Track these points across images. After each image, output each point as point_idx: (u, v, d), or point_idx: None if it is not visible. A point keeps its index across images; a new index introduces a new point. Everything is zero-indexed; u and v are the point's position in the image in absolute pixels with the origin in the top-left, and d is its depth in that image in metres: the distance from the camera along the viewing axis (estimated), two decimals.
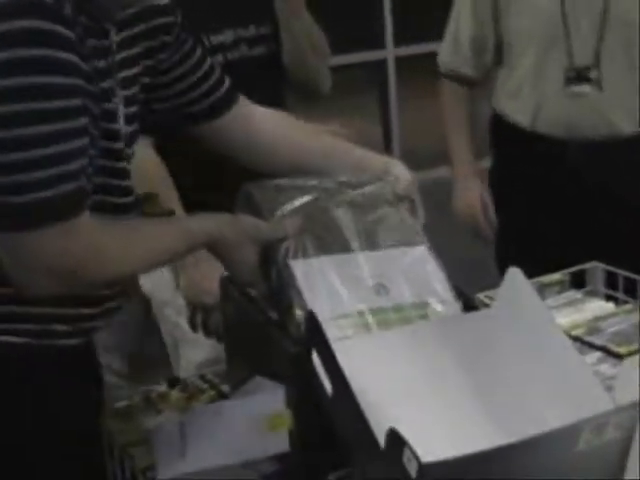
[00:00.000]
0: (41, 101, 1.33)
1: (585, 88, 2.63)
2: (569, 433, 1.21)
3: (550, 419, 1.26)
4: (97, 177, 1.48)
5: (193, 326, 2.42)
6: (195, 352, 2.50)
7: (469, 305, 1.58)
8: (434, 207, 3.22)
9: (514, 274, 1.49)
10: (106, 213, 1.51)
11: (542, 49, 2.66)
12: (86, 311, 1.58)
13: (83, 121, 1.40)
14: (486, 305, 1.68)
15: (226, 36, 2.40)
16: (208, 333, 2.42)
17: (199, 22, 2.34)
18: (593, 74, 2.61)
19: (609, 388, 1.41)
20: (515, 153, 2.82)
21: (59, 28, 1.33)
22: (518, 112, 2.76)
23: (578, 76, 2.63)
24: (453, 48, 2.84)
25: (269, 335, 1.53)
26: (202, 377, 1.86)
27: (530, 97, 2.72)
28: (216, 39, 2.39)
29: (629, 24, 2.59)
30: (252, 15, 2.45)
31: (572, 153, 2.67)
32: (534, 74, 2.70)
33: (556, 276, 2.08)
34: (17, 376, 1.52)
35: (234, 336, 1.72)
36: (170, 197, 2.32)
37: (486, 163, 2.94)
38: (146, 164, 2.22)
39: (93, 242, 1.43)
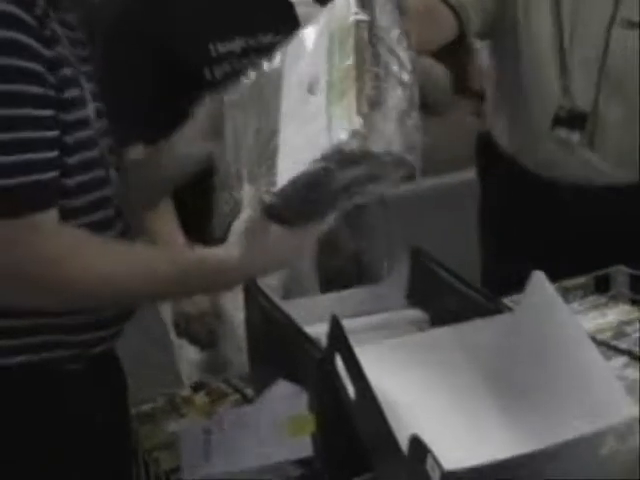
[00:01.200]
0: (9, 108, 1.31)
1: (574, 136, 2.33)
2: (593, 440, 1.20)
3: (574, 425, 1.26)
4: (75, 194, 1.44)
5: (177, 333, 2.43)
6: (195, 352, 2.52)
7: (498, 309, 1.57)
8: (453, 210, 3.23)
9: (538, 278, 1.48)
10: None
11: (535, 76, 2.36)
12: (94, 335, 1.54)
13: (51, 133, 1.37)
14: (509, 309, 1.67)
15: (235, 45, 2.40)
16: (191, 341, 2.44)
17: (207, 30, 2.35)
18: (587, 124, 2.31)
19: (634, 392, 1.41)
20: (501, 180, 2.52)
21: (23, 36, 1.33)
22: (503, 134, 2.50)
23: (569, 120, 2.32)
24: None
25: (293, 339, 1.54)
26: (226, 381, 1.87)
27: (515, 124, 2.45)
28: (224, 47, 2.38)
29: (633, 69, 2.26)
30: (263, 24, 2.43)
31: (559, 194, 2.38)
32: (523, 99, 2.40)
33: (580, 280, 2.07)
34: (41, 389, 1.51)
35: (258, 340, 1.72)
36: (167, 219, 2.31)
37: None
38: None
39: (66, 241, 1.36)
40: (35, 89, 1.34)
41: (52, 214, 1.36)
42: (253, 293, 1.69)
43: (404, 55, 1.35)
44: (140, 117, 2.30)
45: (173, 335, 2.53)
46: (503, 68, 2.46)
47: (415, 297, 1.75)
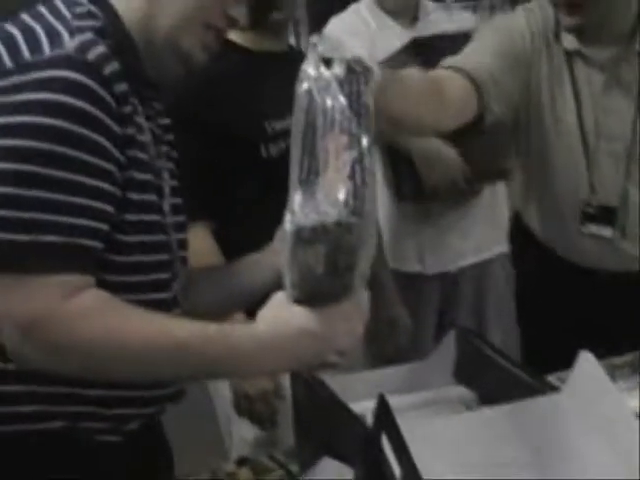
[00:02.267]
0: (64, 171, 1.32)
1: (605, 231, 2.29)
2: None
3: None
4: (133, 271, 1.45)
5: (239, 412, 2.42)
6: (248, 429, 2.50)
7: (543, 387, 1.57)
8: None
9: (586, 358, 1.48)
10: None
11: (562, 168, 2.33)
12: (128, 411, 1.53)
13: (99, 204, 1.37)
14: (556, 388, 1.66)
15: (289, 122, 2.40)
16: (253, 420, 2.42)
17: (262, 109, 2.38)
18: (617, 218, 2.28)
19: None
20: (536, 261, 2.48)
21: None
22: (533, 219, 2.47)
23: (599, 216, 2.28)
24: None
25: (338, 416, 1.54)
26: (270, 457, 1.87)
27: (545, 213, 2.42)
28: (279, 125, 2.40)
29: None
30: None
31: (594, 279, 2.35)
32: (551, 189, 2.37)
33: (627, 357, 2.06)
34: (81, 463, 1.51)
35: (303, 416, 1.72)
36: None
37: None
38: (201, 251, 2.22)
39: (86, 301, 1.33)
40: (94, 160, 1.35)
41: (84, 279, 1.35)
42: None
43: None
44: (201, 198, 2.31)
45: (221, 410, 2.54)
46: (529, 152, 2.42)
47: (461, 375, 1.75)
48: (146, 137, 1.49)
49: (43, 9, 1.44)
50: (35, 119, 1.30)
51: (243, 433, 2.49)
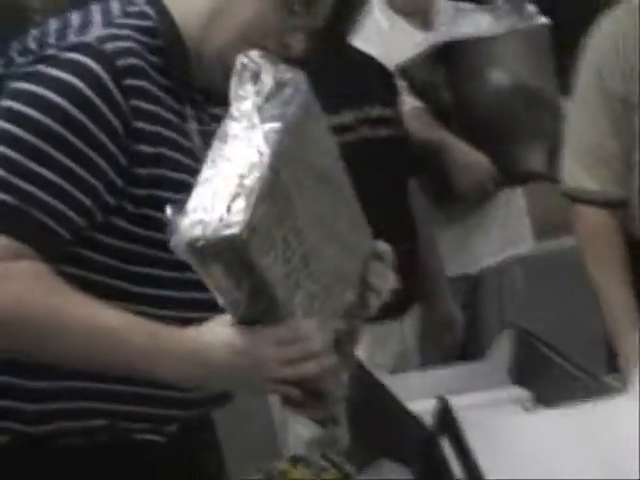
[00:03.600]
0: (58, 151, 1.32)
1: None
2: None
3: None
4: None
5: None
6: (305, 429, 2.48)
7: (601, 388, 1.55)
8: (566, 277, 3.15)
9: None
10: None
11: None
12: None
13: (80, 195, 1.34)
14: (615, 389, 1.65)
15: (343, 118, 2.38)
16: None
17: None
18: None
19: None
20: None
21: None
22: None
23: None
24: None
25: (395, 416, 1.53)
26: (324, 456, 1.86)
27: None
28: (332, 121, 2.37)
29: None
30: (368, 96, 2.42)
31: None
32: None
33: None
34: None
35: (360, 416, 1.71)
36: None
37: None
38: None
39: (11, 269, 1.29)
40: (79, 143, 1.33)
41: (27, 250, 1.31)
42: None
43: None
44: None
45: (276, 407, 2.52)
46: None
47: (517, 374, 1.74)
48: (185, 139, 1.46)
49: (98, 5, 1.47)
50: (39, 90, 1.33)
51: (299, 431, 2.48)
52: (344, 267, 1.45)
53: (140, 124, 1.38)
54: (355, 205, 1.48)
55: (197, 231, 1.23)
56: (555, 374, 1.63)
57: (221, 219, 1.22)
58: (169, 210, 1.25)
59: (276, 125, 1.29)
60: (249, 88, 1.33)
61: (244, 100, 1.32)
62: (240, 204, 1.23)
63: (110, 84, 1.35)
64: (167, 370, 1.33)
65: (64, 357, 1.34)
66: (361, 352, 2.29)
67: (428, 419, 1.43)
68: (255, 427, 2.84)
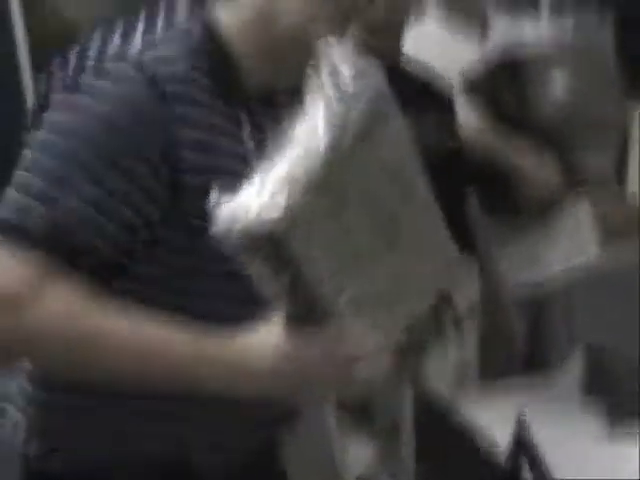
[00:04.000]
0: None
1: None
2: None
3: None
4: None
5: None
6: (365, 447, 2.45)
7: None
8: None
9: None
10: None
11: None
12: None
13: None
14: None
15: None
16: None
17: None
18: None
19: None
20: None
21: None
22: None
23: None
24: None
25: (468, 444, 1.50)
26: (392, 476, 1.83)
27: None
28: None
29: None
30: (432, 108, 2.38)
31: None
32: None
33: None
34: None
35: (424, 434, 1.69)
36: None
37: None
38: None
39: (46, 301, 1.23)
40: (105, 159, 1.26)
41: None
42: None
43: None
44: None
45: (334, 430, 2.50)
46: None
47: (590, 389, 1.70)
48: (238, 144, 1.43)
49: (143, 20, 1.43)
50: (84, 100, 1.28)
51: (359, 451, 2.45)
52: (410, 276, 1.36)
53: (185, 131, 1.32)
54: (435, 213, 1.39)
55: (235, 219, 1.17)
56: (627, 390, 1.60)
57: (261, 207, 1.17)
58: (214, 197, 1.18)
59: (339, 121, 1.23)
60: (324, 80, 1.29)
61: (316, 92, 1.28)
62: (284, 194, 1.17)
63: (151, 91, 1.30)
64: (212, 378, 1.27)
65: (110, 374, 1.28)
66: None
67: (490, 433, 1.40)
68: (314, 451, 2.80)
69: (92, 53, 1.39)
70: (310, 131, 1.23)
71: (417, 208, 1.38)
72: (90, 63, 1.36)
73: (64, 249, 1.24)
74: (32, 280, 1.21)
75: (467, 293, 1.45)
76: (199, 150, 1.32)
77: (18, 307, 1.21)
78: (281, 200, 1.17)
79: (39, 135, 1.28)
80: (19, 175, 1.26)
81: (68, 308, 1.24)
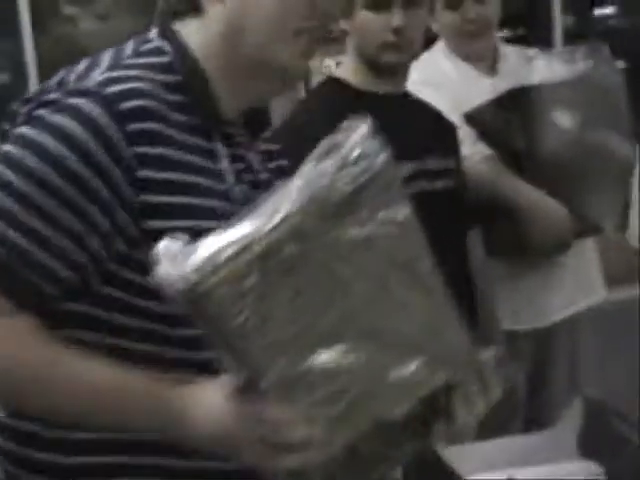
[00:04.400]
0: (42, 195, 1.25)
1: None
2: None
3: None
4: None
5: None
6: None
7: None
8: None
9: None
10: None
11: None
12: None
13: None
14: None
15: (403, 169, 2.20)
16: None
17: None
18: None
19: None
20: None
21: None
22: None
23: None
24: None
25: None
26: None
27: None
28: None
29: None
30: (430, 148, 2.30)
31: None
32: None
33: None
34: None
35: None
36: None
37: None
38: None
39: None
40: (74, 193, 1.25)
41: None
42: None
43: None
44: None
45: None
46: None
47: (587, 447, 1.62)
48: (215, 180, 1.36)
49: (106, 51, 1.39)
50: (30, 133, 1.27)
51: None
52: (385, 373, 1.25)
53: (147, 172, 1.29)
54: (442, 309, 1.30)
55: (167, 271, 1.15)
56: (629, 452, 1.51)
57: (194, 266, 1.14)
58: (164, 242, 1.17)
59: (313, 195, 1.18)
60: (324, 155, 1.21)
61: (309, 163, 1.21)
62: (225, 254, 1.14)
63: (110, 130, 1.26)
64: (156, 431, 1.28)
65: (56, 413, 1.30)
66: None
67: None
68: None
69: (52, 86, 1.34)
70: (284, 196, 1.17)
71: (414, 302, 1.26)
72: (52, 95, 1.31)
73: (9, 287, 1.25)
74: None
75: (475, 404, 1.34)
76: (166, 191, 1.29)
77: None
78: (219, 259, 1.13)
79: (9, 148, 1.28)
80: None
81: (14, 345, 1.25)
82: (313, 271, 1.19)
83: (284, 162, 1.52)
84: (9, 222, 1.25)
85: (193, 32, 1.39)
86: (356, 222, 1.20)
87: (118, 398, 1.27)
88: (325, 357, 1.21)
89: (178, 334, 1.31)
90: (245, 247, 1.15)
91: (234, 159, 1.40)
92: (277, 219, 1.16)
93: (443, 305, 1.29)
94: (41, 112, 1.29)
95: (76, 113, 1.26)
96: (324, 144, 1.21)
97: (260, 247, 1.15)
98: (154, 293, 1.20)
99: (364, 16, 2.21)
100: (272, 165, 1.50)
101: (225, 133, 1.40)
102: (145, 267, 1.20)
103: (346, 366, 1.22)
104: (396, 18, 2.17)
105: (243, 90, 1.40)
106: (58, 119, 1.26)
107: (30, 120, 1.29)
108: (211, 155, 1.36)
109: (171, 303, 1.19)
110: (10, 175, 1.26)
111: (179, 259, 1.15)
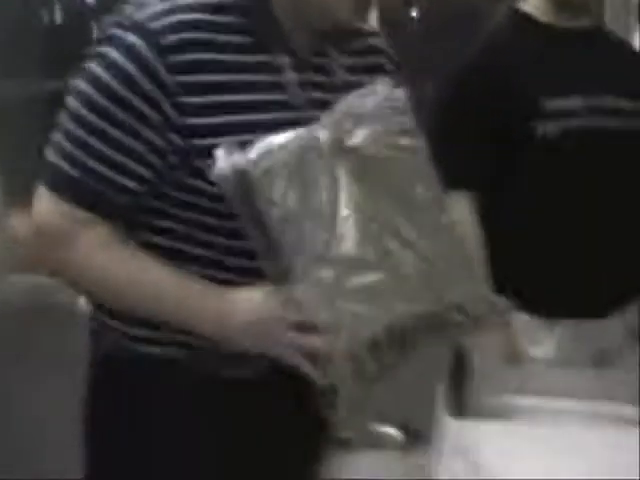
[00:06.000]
0: (100, 119, 1.43)
1: None
2: None
3: None
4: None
5: None
6: None
7: None
8: None
9: None
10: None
11: None
12: None
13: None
14: None
15: (571, 102, 2.27)
16: None
17: (543, 85, 2.27)
18: None
19: None
20: None
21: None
22: None
23: None
24: None
25: None
26: None
27: None
28: (560, 103, 2.26)
29: None
30: (614, 86, 2.29)
31: None
32: None
33: None
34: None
35: None
36: None
37: None
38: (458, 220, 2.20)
39: (78, 245, 1.47)
40: (126, 117, 1.43)
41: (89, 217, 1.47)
42: None
43: None
44: (466, 163, 2.28)
45: None
46: None
47: None
48: (275, 93, 1.49)
49: None
50: (94, 68, 1.45)
51: None
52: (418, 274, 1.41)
53: (194, 99, 1.44)
54: (460, 249, 1.47)
55: (225, 162, 1.34)
56: None
57: (247, 155, 1.33)
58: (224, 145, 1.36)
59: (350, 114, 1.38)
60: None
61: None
62: (271, 145, 1.34)
63: (155, 62, 1.42)
64: (197, 326, 1.47)
65: (124, 307, 1.52)
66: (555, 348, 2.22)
67: None
68: None
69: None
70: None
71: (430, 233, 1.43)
72: (110, 30, 1.48)
73: (86, 200, 1.46)
74: (67, 222, 1.47)
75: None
76: (213, 113, 1.44)
77: (53, 241, 1.48)
78: (270, 147, 1.34)
79: (69, 100, 1.47)
80: (56, 131, 1.47)
81: (88, 248, 1.47)
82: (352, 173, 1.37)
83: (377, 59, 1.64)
84: (76, 144, 1.45)
85: None
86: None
87: (178, 298, 1.47)
88: (357, 251, 1.36)
89: (237, 245, 1.47)
90: (293, 139, 1.35)
91: (307, 69, 1.52)
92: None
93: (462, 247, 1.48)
94: (101, 48, 1.46)
95: (125, 48, 1.43)
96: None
97: (307, 141, 1.35)
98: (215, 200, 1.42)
99: None
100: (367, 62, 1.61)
101: (294, 48, 1.50)
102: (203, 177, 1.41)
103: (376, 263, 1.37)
104: None
105: (305, 24, 1.51)
106: (112, 54, 1.44)
107: (94, 56, 1.47)
108: (271, 69, 1.49)
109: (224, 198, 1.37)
110: (74, 104, 1.46)
111: (235, 155, 1.34)
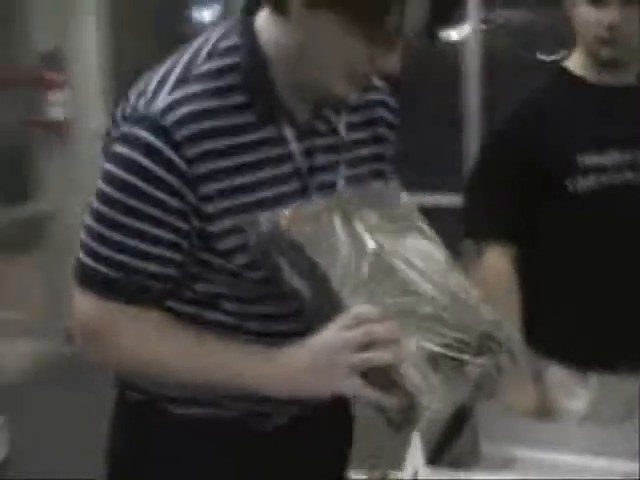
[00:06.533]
0: (129, 218, 1.48)
1: None
2: None
3: None
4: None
5: None
6: None
7: None
8: None
9: None
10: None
11: None
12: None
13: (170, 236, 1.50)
14: None
15: (607, 158, 2.29)
16: None
17: (577, 141, 2.29)
18: None
19: None
20: None
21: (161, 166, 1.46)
22: None
23: None
24: None
25: None
26: None
27: None
28: (593, 160, 2.28)
29: None
30: None
31: None
32: None
33: None
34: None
35: None
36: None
37: None
38: (495, 272, 2.27)
39: (117, 327, 1.53)
40: (155, 211, 1.48)
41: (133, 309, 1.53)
42: None
43: None
44: (497, 216, 2.32)
45: None
46: None
47: None
48: (283, 165, 1.54)
49: (194, 42, 1.55)
50: (113, 169, 1.49)
51: None
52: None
53: (212, 185, 1.49)
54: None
55: (270, 223, 1.46)
56: None
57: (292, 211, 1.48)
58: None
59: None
60: None
61: None
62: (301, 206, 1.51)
63: (172, 156, 1.46)
64: (266, 385, 1.51)
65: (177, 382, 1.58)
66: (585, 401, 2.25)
67: None
68: None
69: (127, 109, 1.53)
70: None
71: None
72: (123, 127, 1.51)
73: (123, 291, 1.52)
74: (107, 315, 1.53)
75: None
76: (234, 197, 1.51)
77: (100, 337, 1.54)
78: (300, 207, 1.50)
79: (93, 202, 1.53)
80: (88, 219, 1.53)
81: (139, 334, 1.54)
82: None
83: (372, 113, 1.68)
84: (106, 244, 1.50)
85: (267, 30, 1.51)
86: None
87: (239, 364, 1.53)
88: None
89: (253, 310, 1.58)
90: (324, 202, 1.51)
91: (311, 135, 1.57)
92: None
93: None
94: (115, 146, 1.50)
95: (140, 146, 1.46)
96: None
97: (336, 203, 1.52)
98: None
99: (584, 11, 2.27)
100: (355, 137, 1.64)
101: (295, 119, 1.55)
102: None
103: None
104: (611, 14, 2.22)
105: (304, 95, 1.54)
106: (128, 153, 1.48)
107: (107, 153, 1.52)
108: (278, 142, 1.53)
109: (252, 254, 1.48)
110: (97, 205, 1.52)
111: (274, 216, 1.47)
